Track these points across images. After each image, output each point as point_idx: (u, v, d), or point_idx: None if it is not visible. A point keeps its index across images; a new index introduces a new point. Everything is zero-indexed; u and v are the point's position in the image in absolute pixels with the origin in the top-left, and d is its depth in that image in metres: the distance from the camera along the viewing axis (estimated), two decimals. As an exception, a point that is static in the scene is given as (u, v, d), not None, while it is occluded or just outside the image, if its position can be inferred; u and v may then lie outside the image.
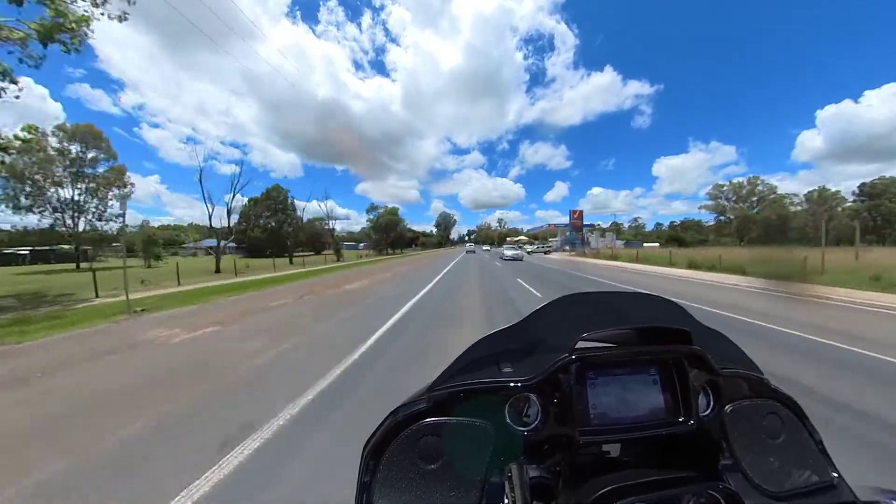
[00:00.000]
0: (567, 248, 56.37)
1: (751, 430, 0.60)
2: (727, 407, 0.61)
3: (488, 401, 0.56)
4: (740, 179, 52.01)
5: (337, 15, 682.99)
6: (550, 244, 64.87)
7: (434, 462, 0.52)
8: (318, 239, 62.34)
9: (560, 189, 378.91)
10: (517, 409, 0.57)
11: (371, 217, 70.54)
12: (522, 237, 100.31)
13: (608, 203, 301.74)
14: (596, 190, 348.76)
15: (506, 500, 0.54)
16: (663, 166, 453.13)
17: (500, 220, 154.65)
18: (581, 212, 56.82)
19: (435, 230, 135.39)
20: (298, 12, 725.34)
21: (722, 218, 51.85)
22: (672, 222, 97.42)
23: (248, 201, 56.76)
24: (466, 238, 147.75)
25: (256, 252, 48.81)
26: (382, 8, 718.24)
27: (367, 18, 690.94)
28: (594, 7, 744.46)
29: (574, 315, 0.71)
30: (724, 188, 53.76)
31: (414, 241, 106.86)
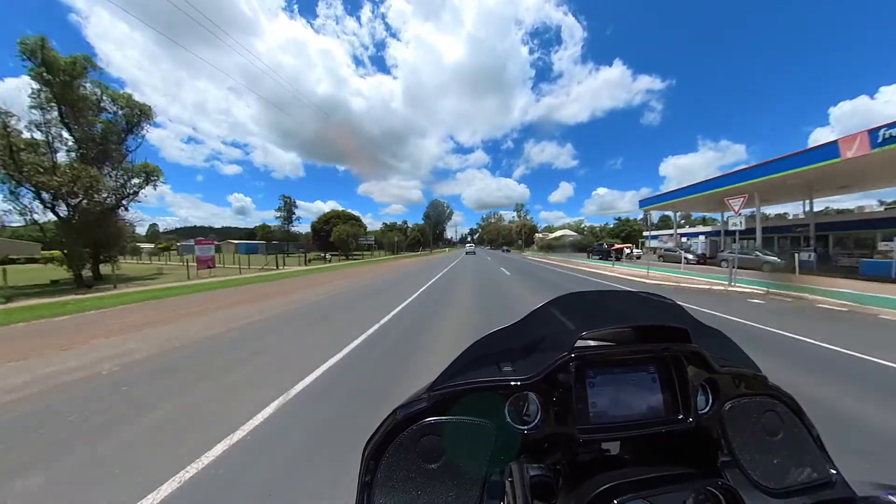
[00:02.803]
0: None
1: (749, 428, 0.60)
2: (726, 404, 0.61)
3: (488, 400, 0.56)
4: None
5: (336, 9, 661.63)
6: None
7: (435, 461, 0.52)
8: None
9: (565, 189, 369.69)
10: (517, 407, 0.57)
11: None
12: (568, 231, 62.64)
13: (614, 204, 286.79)
14: (601, 190, 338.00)
15: (506, 499, 0.54)
16: (671, 165, 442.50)
17: (518, 208, 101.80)
18: None
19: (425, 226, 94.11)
20: (296, 6, 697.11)
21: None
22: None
23: None
24: (468, 238, 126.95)
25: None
26: (382, 1, 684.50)
27: (366, 12, 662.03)
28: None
29: (573, 314, 0.72)
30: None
31: (322, 237, 52.38)
